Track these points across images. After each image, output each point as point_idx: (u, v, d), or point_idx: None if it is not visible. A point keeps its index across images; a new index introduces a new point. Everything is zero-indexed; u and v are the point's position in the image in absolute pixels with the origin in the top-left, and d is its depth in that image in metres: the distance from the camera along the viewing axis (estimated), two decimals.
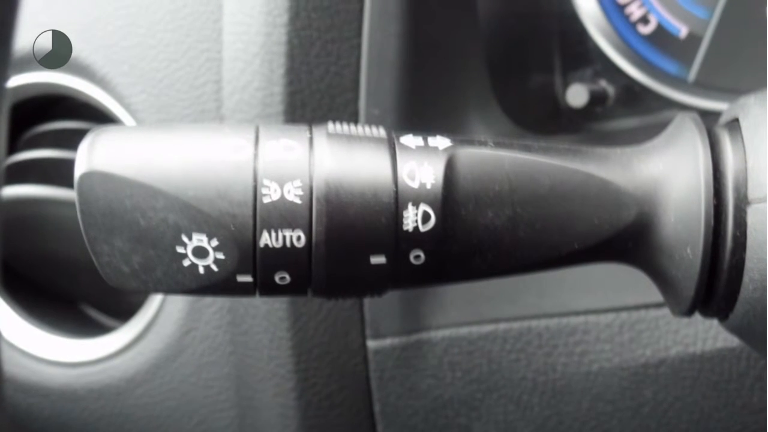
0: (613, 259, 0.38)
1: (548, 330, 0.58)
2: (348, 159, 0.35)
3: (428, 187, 0.35)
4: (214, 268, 0.34)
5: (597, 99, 0.67)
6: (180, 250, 0.34)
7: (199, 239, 0.34)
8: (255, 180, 0.34)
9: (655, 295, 0.40)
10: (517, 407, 0.59)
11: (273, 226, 0.34)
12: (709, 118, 0.39)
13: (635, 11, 0.67)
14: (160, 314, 0.65)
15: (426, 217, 0.35)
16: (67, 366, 0.69)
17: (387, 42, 0.58)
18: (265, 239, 0.34)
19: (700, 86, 0.66)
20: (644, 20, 0.67)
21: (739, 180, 0.35)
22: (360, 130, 0.36)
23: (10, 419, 0.71)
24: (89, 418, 0.69)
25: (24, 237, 0.70)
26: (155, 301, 0.65)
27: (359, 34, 0.58)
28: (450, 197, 0.35)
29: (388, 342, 0.60)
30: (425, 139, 0.36)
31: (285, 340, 0.59)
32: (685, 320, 0.56)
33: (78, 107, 0.70)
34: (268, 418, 0.62)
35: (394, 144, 0.36)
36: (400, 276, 0.36)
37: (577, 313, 0.58)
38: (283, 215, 0.34)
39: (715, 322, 0.45)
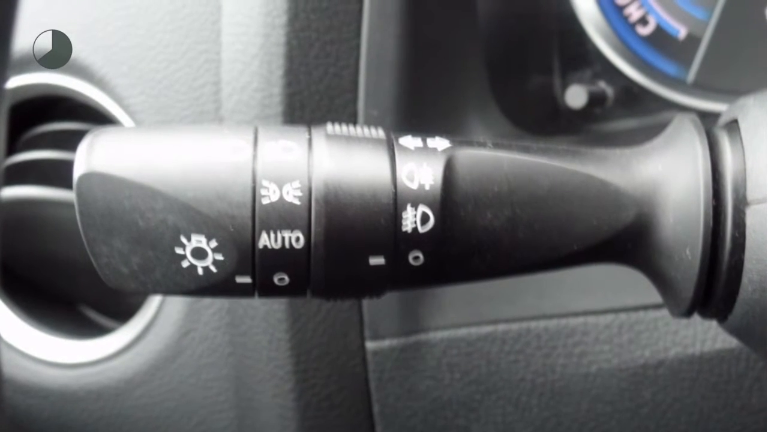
0: (612, 260, 0.38)
1: (547, 331, 0.58)
2: (347, 160, 0.35)
3: (427, 188, 0.35)
4: (213, 269, 0.34)
5: (596, 100, 0.67)
6: (179, 251, 0.34)
7: (198, 240, 0.34)
8: (254, 181, 0.34)
9: (654, 296, 0.40)
10: (515, 408, 0.59)
11: (272, 227, 0.34)
12: (708, 119, 0.39)
13: (634, 12, 0.67)
14: (159, 315, 0.65)
15: (425, 218, 0.35)
16: (66, 367, 0.69)
17: (386, 43, 0.58)
18: (264, 240, 0.34)
19: (699, 87, 0.66)
20: (643, 21, 0.67)
21: (738, 181, 0.35)
22: (359, 131, 0.36)
23: (10, 420, 0.71)
24: (88, 419, 0.69)
25: (23, 238, 0.70)
26: (154, 302, 0.65)
27: (358, 35, 0.58)
28: (449, 198, 0.35)
29: (386, 343, 0.60)
30: (424, 140, 0.36)
31: (284, 341, 0.59)
32: (684, 321, 0.56)
33: (77, 108, 0.70)
34: (267, 418, 0.62)
35: (393, 145, 0.36)
36: (399, 277, 0.36)
37: (576, 314, 0.58)
38: (282, 216, 0.34)
39: (714, 323, 0.46)
